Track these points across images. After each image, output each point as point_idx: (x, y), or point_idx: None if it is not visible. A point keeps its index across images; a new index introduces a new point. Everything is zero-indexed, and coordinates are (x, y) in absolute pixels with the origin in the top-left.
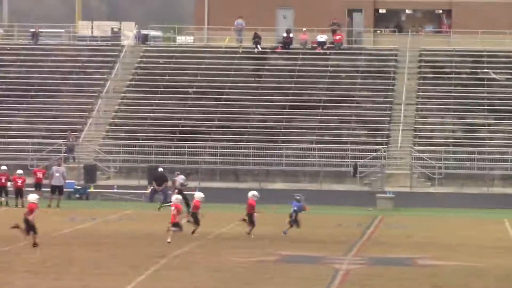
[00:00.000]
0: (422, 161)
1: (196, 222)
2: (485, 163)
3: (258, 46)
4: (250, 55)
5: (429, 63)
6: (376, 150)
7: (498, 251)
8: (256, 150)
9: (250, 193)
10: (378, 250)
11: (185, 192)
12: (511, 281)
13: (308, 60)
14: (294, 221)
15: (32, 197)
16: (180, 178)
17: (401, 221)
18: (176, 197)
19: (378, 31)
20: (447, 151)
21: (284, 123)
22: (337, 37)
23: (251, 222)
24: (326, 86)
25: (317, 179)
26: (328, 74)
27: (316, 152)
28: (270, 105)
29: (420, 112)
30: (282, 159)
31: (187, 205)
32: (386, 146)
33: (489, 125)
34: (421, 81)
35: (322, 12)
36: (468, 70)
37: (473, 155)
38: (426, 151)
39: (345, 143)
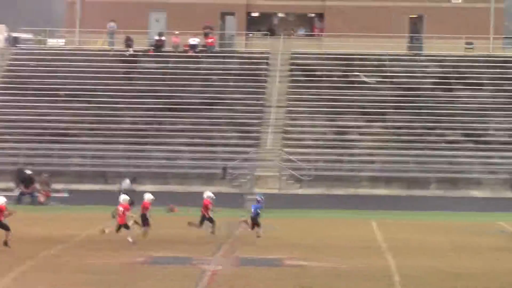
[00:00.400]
0: (292, 163)
1: (146, 223)
2: (353, 165)
3: (130, 49)
4: (122, 58)
5: (301, 66)
6: (246, 152)
7: (364, 252)
8: (126, 152)
9: (206, 194)
10: (247, 251)
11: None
12: (376, 281)
13: (180, 63)
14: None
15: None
16: (125, 183)
17: (270, 223)
18: (123, 198)
19: (250, 35)
20: (317, 153)
21: (155, 125)
22: (209, 40)
23: (211, 220)
24: (198, 89)
25: (186, 181)
26: (200, 77)
27: (187, 154)
28: (141, 108)
29: (290, 115)
30: (151, 161)
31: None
32: (256, 148)
33: (358, 127)
34: (292, 84)
35: (194, 15)
36: (339, 73)
37: (342, 157)
38: (295, 153)
39: (216, 145)
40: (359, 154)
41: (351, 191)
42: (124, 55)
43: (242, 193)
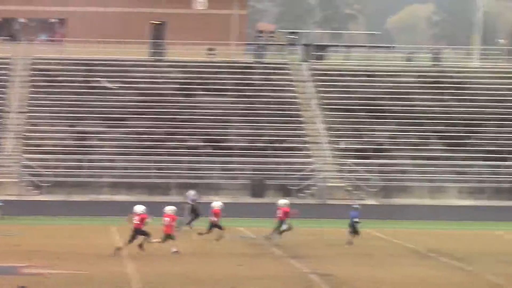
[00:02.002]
0: (31, 169)
1: (220, 228)
2: (94, 170)
3: None
4: None
5: (42, 71)
6: None
7: (105, 258)
8: None
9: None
10: None
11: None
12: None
13: None
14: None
15: None
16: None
17: (10, 230)
18: (168, 208)
19: None
20: (57, 159)
21: None
22: None
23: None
24: None
25: None
26: None
27: None
28: None
29: (31, 120)
30: None
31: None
32: None
33: (99, 133)
34: (33, 89)
35: None
36: (81, 79)
37: (82, 163)
38: (35, 159)
39: None
40: (100, 160)
41: (91, 197)
42: None
43: None
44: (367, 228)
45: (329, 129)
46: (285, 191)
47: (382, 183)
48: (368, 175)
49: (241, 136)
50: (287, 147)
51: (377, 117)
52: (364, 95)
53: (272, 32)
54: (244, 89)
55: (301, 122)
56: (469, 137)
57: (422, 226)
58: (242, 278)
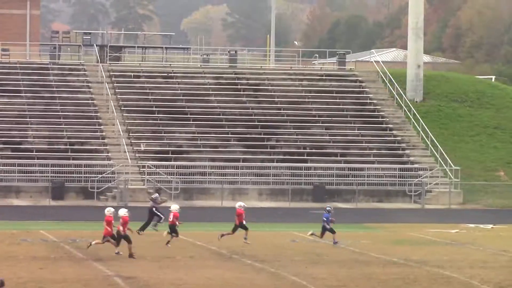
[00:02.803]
0: None
1: (176, 233)
2: None
3: None
4: None
5: None
6: None
7: None
8: None
9: (238, 204)
10: None
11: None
12: None
13: None
14: (330, 229)
15: None
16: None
17: None
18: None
19: None
20: None
21: None
22: None
23: (244, 227)
24: None
25: None
26: None
27: None
28: None
29: None
30: None
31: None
32: None
33: None
34: None
35: None
36: None
37: None
38: None
39: None
40: None
41: None
42: None
43: None
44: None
45: (128, 131)
46: (86, 194)
47: (183, 185)
48: (168, 177)
49: (40, 138)
50: (87, 149)
51: (176, 119)
52: (162, 97)
53: (67, 32)
54: (40, 90)
55: (100, 124)
56: (268, 139)
57: (224, 228)
58: (45, 281)
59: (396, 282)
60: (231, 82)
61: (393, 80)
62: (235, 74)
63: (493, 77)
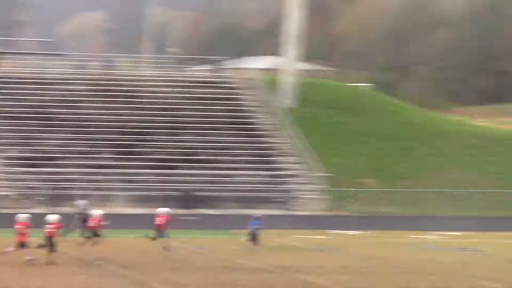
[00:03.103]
0: None
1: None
2: None
3: None
4: None
5: None
6: None
7: None
8: None
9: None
10: None
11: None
12: None
13: None
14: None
15: None
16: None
17: None
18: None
19: None
20: None
21: None
22: None
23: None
24: None
25: None
26: None
27: None
28: None
29: None
30: None
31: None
32: None
33: None
34: None
35: None
36: None
37: None
38: None
39: None
40: None
41: None
42: None
43: None
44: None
45: None
46: None
47: (51, 192)
48: (36, 184)
49: None
50: None
51: (46, 125)
52: (32, 103)
53: None
54: None
55: None
56: (139, 146)
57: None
58: None
59: None
60: (105, 89)
61: (269, 87)
62: (110, 81)
63: (369, 84)
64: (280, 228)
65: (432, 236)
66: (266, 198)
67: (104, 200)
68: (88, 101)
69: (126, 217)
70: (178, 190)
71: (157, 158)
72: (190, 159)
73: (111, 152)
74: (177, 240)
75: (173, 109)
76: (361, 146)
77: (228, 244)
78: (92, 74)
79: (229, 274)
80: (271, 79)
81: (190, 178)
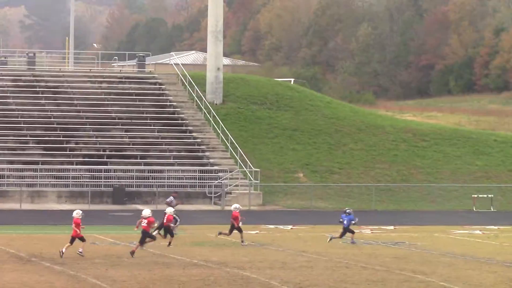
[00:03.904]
0: None
1: (171, 234)
2: None
3: None
4: None
5: None
6: None
7: None
8: None
9: (233, 206)
10: None
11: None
12: None
13: None
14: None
15: None
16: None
17: None
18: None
19: None
20: None
21: None
22: None
23: (240, 230)
24: None
25: None
26: None
27: None
28: None
29: None
30: None
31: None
32: None
33: None
34: None
35: None
36: None
37: None
38: None
39: None
40: None
41: None
42: None
43: None
44: None
45: None
46: None
47: None
48: None
49: None
50: None
51: None
52: None
53: None
54: None
55: None
56: (67, 141)
57: (22, 231)
58: None
59: (197, 284)
60: (30, 85)
61: (193, 83)
62: (34, 76)
63: (292, 79)
64: (211, 224)
65: (366, 230)
66: (197, 193)
67: (35, 196)
68: (14, 97)
69: (57, 213)
70: (109, 185)
71: (86, 154)
72: (119, 154)
73: (40, 148)
74: (110, 236)
75: (100, 105)
76: (288, 141)
77: (160, 240)
78: (16, 70)
79: (165, 269)
80: (195, 75)
81: (122, 174)
